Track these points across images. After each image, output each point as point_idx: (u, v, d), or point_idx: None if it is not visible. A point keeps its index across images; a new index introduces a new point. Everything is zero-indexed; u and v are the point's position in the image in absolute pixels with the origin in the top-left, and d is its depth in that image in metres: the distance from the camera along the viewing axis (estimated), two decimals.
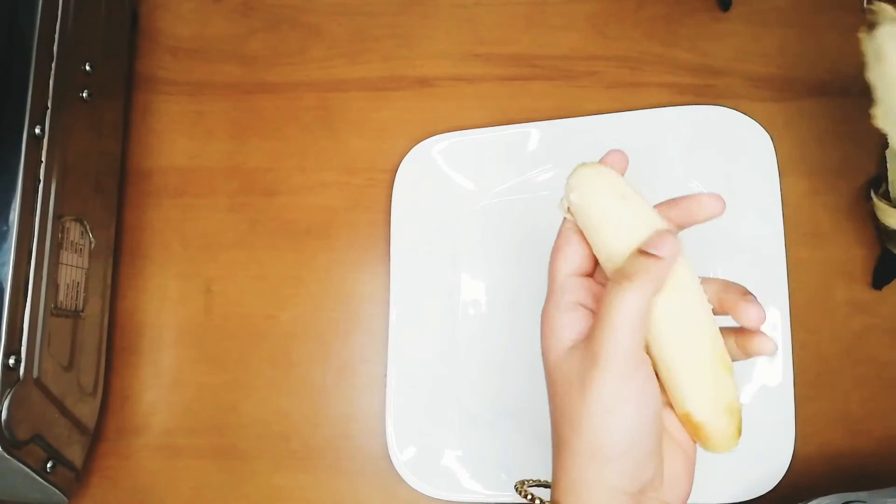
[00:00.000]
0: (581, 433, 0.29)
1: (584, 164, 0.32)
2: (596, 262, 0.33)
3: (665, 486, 0.31)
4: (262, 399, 0.50)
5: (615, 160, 0.33)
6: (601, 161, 0.33)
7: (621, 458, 0.29)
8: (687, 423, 0.31)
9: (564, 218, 0.32)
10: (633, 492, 0.29)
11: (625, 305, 0.28)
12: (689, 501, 0.45)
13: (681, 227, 0.33)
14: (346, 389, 0.49)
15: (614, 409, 0.29)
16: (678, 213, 0.32)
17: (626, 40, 0.52)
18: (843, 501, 0.39)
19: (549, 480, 0.32)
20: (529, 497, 0.33)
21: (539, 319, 0.32)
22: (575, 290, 0.31)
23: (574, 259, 0.32)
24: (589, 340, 0.29)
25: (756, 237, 0.46)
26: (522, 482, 0.35)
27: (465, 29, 0.53)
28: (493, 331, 0.48)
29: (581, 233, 0.32)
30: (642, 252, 0.29)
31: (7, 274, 0.39)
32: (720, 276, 0.33)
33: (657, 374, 0.31)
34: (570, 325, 0.31)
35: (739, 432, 0.31)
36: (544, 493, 0.33)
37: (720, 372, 0.30)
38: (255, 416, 0.49)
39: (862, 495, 0.39)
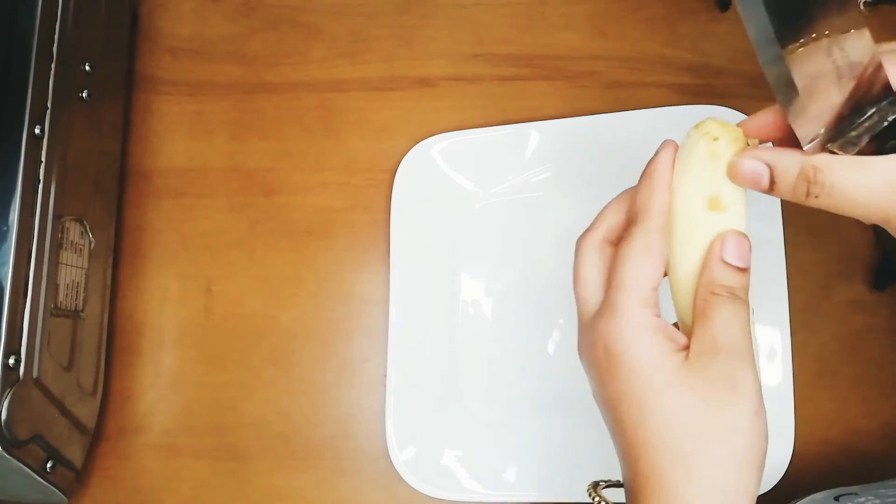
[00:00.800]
0: (728, 442, 0.27)
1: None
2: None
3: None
4: (262, 399, 0.50)
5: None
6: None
7: (760, 464, 0.27)
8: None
9: (642, 224, 0.30)
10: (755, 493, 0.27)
11: (741, 322, 0.28)
12: None
13: None
14: (346, 389, 0.49)
15: (760, 413, 0.27)
16: None
17: (626, 40, 0.52)
18: (836, 495, 0.39)
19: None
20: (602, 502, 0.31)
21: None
22: (656, 304, 0.30)
23: (658, 270, 0.30)
24: (714, 348, 0.28)
25: (756, 237, 0.46)
26: (596, 484, 0.32)
27: (465, 29, 0.53)
28: (493, 330, 0.48)
29: (662, 245, 0.30)
30: (730, 265, 0.29)
31: (7, 274, 0.39)
32: None
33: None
34: (665, 338, 0.29)
35: None
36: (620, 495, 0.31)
37: None
38: (255, 416, 0.49)
39: (854, 488, 0.39)
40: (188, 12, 0.54)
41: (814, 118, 0.26)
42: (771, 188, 0.29)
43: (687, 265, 0.30)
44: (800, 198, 0.28)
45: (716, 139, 0.30)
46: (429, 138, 0.49)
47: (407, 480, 0.46)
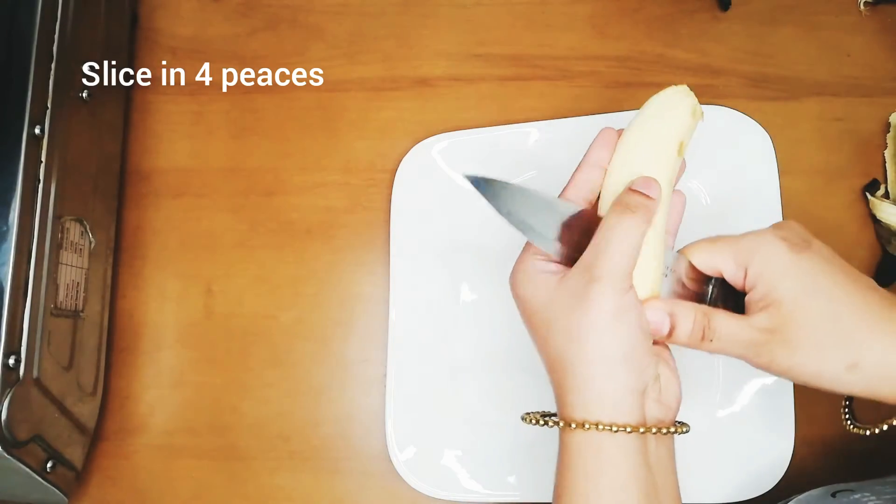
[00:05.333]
0: (589, 342, 0.32)
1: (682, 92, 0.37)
2: None
3: (662, 388, 0.34)
4: (262, 399, 0.50)
5: (676, 198, 0.38)
6: None
7: (627, 359, 0.32)
8: None
9: (562, 193, 0.37)
10: (640, 390, 0.32)
11: (627, 232, 0.32)
12: (689, 501, 0.45)
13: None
14: (346, 389, 0.49)
15: (618, 316, 0.32)
16: None
17: (626, 40, 0.52)
18: (833, 491, 0.39)
19: (553, 411, 0.35)
20: (542, 422, 0.35)
21: None
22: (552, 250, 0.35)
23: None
24: (587, 264, 0.33)
25: None
26: (528, 413, 0.36)
27: (465, 29, 0.53)
28: (493, 330, 0.48)
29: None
30: (636, 191, 0.34)
31: (7, 274, 0.40)
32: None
33: None
34: (548, 272, 0.34)
35: None
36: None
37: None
38: (255, 416, 0.49)
39: (851, 485, 0.39)
40: (188, 12, 0.54)
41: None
42: (669, 333, 0.34)
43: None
44: (695, 340, 0.34)
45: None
46: (429, 138, 0.49)
47: (407, 480, 0.46)
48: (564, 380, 0.33)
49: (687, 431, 0.35)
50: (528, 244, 0.36)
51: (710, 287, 0.36)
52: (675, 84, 0.37)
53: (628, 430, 0.32)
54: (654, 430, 0.33)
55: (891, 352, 0.32)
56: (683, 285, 0.36)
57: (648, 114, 0.37)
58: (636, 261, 0.33)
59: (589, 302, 0.32)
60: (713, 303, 0.36)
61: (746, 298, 0.34)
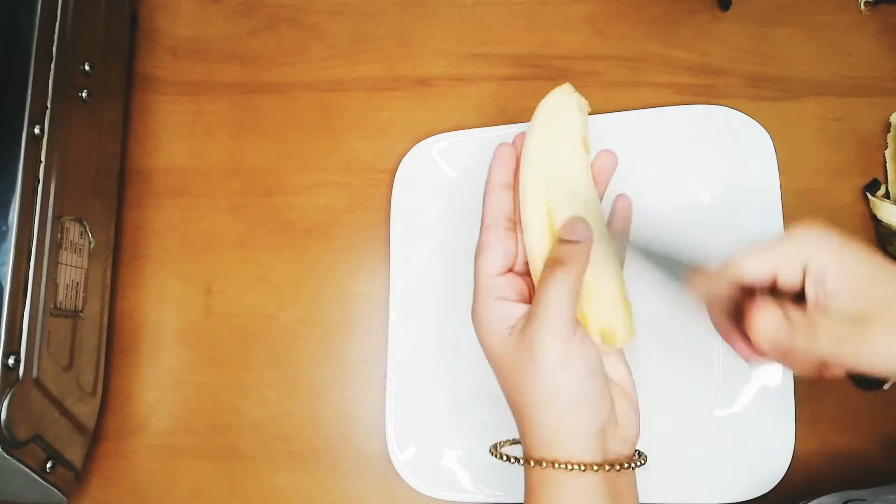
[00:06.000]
0: (538, 391, 0.34)
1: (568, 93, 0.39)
2: (514, 259, 0.38)
3: (619, 425, 0.36)
4: (262, 399, 0.50)
5: (607, 160, 0.41)
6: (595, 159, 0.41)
7: (577, 404, 0.34)
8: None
9: (482, 225, 0.39)
10: (595, 432, 0.34)
11: (558, 286, 0.34)
12: (689, 501, 0.45)
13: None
14: (346, 389, 0.49)
15: (563, 365, 0.34)
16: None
17: (626, 40, 0.52)
18: (845, 500, 0.39)
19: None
20: (505, 458, 0.37)
21: None
22: (499, 288, 0.37)
23: (496, 260, 0.37)
24: (531, 317, 0.34)
25: (756, 237, 0.46)
26: (496, 445, 0.39)
27: (465, 29, 0.53)
28: None
29: (501, 236, 0.38)
30: (563, 240, 0.36)
31: (6, 274, 0.39)
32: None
33: None
34: (503, 317, 0.36)
35: (623, 330, 0.37)
36: (519, 452, 0.37)
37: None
38: (255, 416, 0.49)
39: (863, 493, 0.39)
40: (188, 12, 0.54)
41: None
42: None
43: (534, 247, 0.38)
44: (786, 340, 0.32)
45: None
46: (429, 138, 0.49)
47: (407, 480, 0.46)
48: (522, 421, 0.36)
49: (644, 464, 0.37)
50: (479, 283, 0.37)
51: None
52: (559, 83, 0.40)
53: (582, 468, 0.33)
54: (611, 466, 0.34)
55: None
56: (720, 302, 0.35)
57: (542, 121, 0.39)
58: (575, 307, 0.35)
59: (534, 353, 0.34)
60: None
61: (810, 295, 0.32)
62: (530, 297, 0.38)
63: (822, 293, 0.32)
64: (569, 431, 0.34)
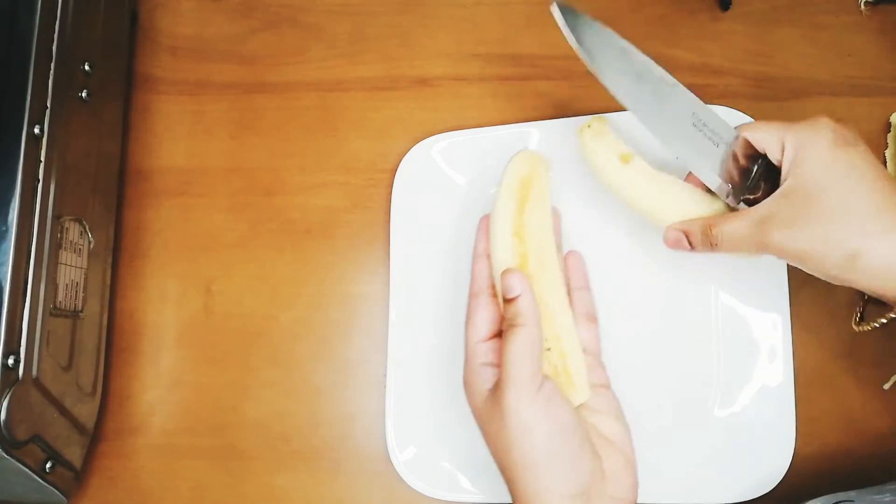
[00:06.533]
0: (511, 450, 0.34)
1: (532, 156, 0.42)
2: (499, 325, 0.39)
3: (609, 483, 0.35)
4: (262, 399, 0.50)
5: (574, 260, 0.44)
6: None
7: (550, 464, 0.34)
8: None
9: (469, 293, 0.40)
10: (574, 493, 0.34)
11: (514, 345, 0.35)
12: (689, 501, 0.45)
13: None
14: (346, 389, 0.49)
15: (530, 425, 0.34)
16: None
17: (626, 40, 0.51)
18: (834, 502, 0.39)
19: None
20: None
21: None
22: (484, 353, 0.38)
23: (482, 327, 0.38)
24: (499, 379, 0.35)
25: None
26: None
27: (465, 29, 0.53)
28: None
29: (486, 304, 0.39)
30: (506, 300, 0.37)
31: (6, 274, 0.39)
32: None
33: None
34: (486, 381, 0.37)
35: (577, 386, 0.38)
36: None
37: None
38: (255, 416, 0.49)
39: (851, 494, 0.39)
40: (188, 12, 0.54)
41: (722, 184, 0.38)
42: (691, 247, 0.39)
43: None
44: (708, 248, 0.38)
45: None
46: (429, 138, 0.49)
47: (407, 481, 0.46)
48: (507, 482, 0.36)
49: None
50: (467, 349, 0.38)
51: (756, 165, 0.37)
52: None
53: None
54: None
55: (887, 249, 0.32)
56: (737, 160, 0.37)
57: (500, 189, 0.40)
58: (537, 361, 0.35)
59: (503, 412, 0.34)
60: (756, 180, 0.37)
61: (781, 179, 0.35)
62: None
63: (782, 179, 0.36)
64: (546, 493, 0.34)
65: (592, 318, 0.42)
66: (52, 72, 0.43)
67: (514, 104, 0.51)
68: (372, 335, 0.49)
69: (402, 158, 0.49)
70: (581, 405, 0.38)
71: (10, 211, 0.40)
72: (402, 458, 0.46)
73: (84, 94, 0.46)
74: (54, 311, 0.43)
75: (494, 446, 0.36)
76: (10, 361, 0.39)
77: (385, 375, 0.47)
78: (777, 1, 0.51)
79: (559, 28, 0.37)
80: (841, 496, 0.40)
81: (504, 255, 0.39)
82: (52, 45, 0.43)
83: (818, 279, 0.35)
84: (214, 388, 0.50)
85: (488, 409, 0.36)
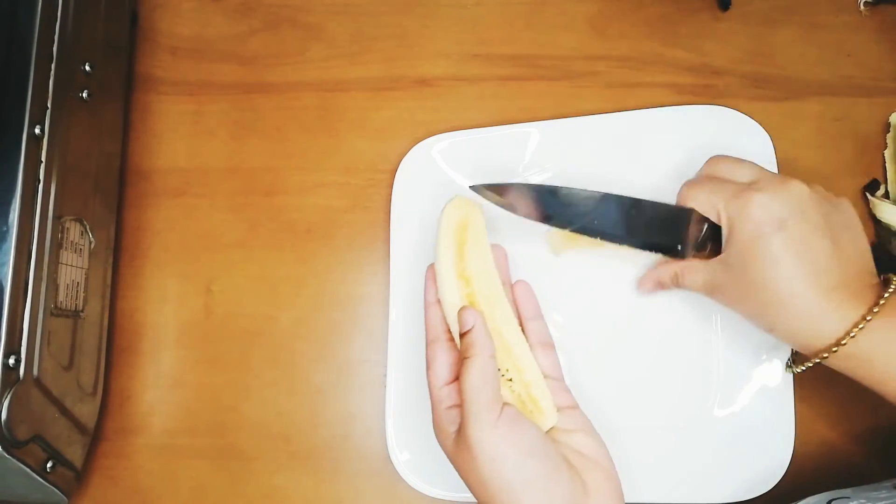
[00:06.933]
0: (487, 482, 0.34)
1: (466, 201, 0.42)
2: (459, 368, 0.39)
3: (592, 497, 0.36)
4: (262, 399, 0.50)
5: (498, 252, 0.44)
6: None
7: (526, 487, 0.34)
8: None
9: (426, 340, 0.41)
10: None
11: (469, 375, 0.36)
12: (688, 501, 0.45)
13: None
14: (346, 389, 0.49)
15: (499, 450, 0.34)
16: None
17: (626, 40, 0.52)
18: (829, 499, 0.39)
19: None
20: None
21: None
22: (448, 396, 0.38)
23: (442, 371, 0.39)
24: (461, 414, 0.36)
25: None
26: None
27: (465, 29, 0.53)
28: None
29: (443, 349, 0.40)
30: (461, 334, 0.38)
31: (7, 274, 0.40)
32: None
33: None
34: (452, 423, 0.38)
35: (544, 411, 0.39)
36: None
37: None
38: (255, 416, 0.49)
39: (846, 492, 0.40)
40: (188, 12, 0.54)
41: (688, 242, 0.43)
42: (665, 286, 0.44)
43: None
44: (676, 286, 0.43)
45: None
46: (429, 138, 0.49)
47: (407, 480, 0.46)
48: None
49: None
50: (431, 394, 0.39)
51: (705, 227, 0.41)
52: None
53: None
54: None
55: (797, 326, 0.37)
56: (688, 222, 0.42)
57: (438, 237, 0.41)
58: (493, 388, 0.36)
59: (470, 445, 0.35)
60: (703, 241, 0.42)
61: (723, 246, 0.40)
62: None
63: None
64: None
65: (549, 346, 0.43)
66: (52, 72, 0.43)
67: (514, 104, 0.51)
68: (372, 335, 0.49)
69: (402, 158, 0.49)
70: (552, 428, 0.39)
71: (11, 211, 0.40)
72: (402, 457, 0.46)
73: (84, 95, 0.46)
74: (55, 311, 0.43)
75: (471, 482, 0.36)
76: (11, 361, 0.39)
77: (385, 375, 0.47)
78: (777, 1, 0.51)
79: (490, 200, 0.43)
80: (836, 493, 0.40)
81: (453, 298, 0.39)
82: (52, 46, 0.43)
83: None
84: (214, 388, 0.50)
85: (457, 448, 0.36)
